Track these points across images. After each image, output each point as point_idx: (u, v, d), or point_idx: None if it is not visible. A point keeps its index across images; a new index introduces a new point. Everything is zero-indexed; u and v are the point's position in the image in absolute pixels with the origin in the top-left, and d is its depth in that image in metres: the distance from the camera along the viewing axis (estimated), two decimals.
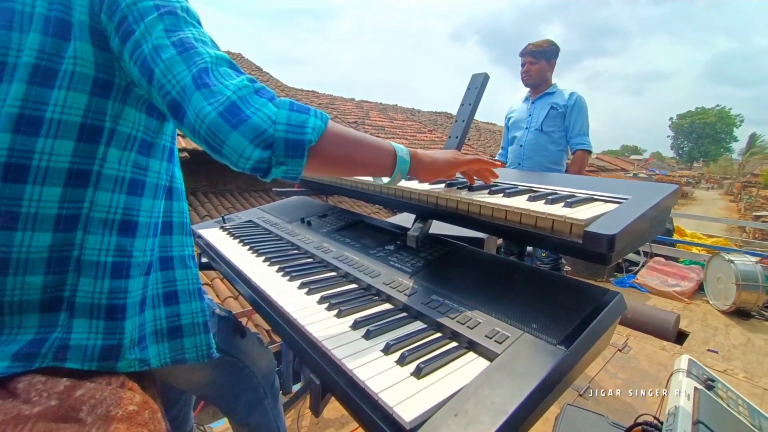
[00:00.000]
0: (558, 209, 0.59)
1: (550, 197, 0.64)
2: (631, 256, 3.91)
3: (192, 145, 3.30)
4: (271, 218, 1.23)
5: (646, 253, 3.88)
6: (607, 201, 0.64)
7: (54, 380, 0.52)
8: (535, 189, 0.75)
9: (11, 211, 0.49)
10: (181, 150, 3.11)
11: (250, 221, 1.24)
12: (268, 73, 7.58)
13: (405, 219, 1.24)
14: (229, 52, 7.95)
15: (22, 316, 0.51)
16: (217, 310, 0.87)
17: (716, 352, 2.36)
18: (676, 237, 4.37)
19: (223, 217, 1.25)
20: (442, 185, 0.84)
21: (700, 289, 3.29)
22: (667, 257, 3.83)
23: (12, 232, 0.49)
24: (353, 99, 9.82)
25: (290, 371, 1.91)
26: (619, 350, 2.25)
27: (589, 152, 2.20)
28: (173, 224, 0.69)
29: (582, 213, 0.56)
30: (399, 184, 0.74)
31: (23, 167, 0.49)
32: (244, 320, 1.84)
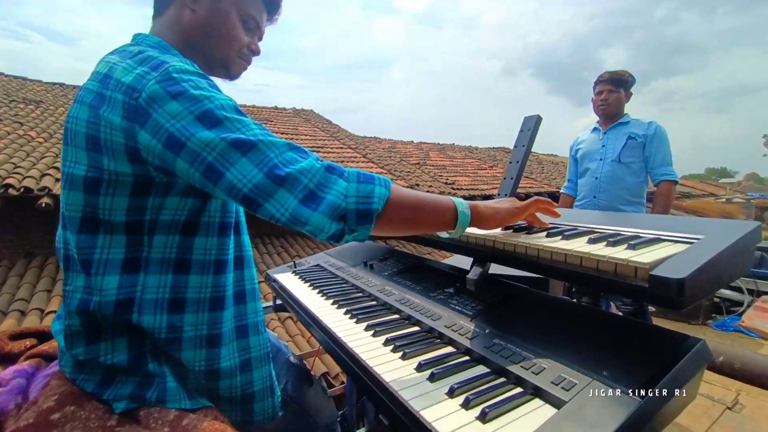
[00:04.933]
0: (620, 252, 0.59)
1: (611, 239, 0.64)
2: (733, 296, 3.38)
3: None
4: (336, 262, 1.33)
5: (751, 292, 3.34)
6: (676, 241, 0.62)
7: (165, 410, 0.62)
8: (596, 230, 0.75)
9: (86, 298, 0.60)
10: None
11: (317, 265, 1.35)
12: (337, 125, 8.30)
13: (463, 260, 1.26)
14: (302, 110, 8.90)
15: (121, 371, 0.62)
16: (291, 358, 0.95)
17: None
18: None
19: (294, 262, 1.38)
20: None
21: None
22: None
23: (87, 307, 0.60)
24: (412, 141, 10.23)
25: (353, 414, 1.92)
26: (728, 408, 1.92)
27: (676, 183, 2.06)
28: (246, 292, 0.74)
29: (646, 256, 0.55)
30: None
31: (88, 261, 0.59)
32: (311, 360, 1.92)
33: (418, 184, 5.33)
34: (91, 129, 0.56)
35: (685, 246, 0.59)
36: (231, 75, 0.76)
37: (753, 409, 1.92)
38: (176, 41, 0.67)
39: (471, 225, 0.69)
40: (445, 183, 6.00)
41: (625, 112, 2.22)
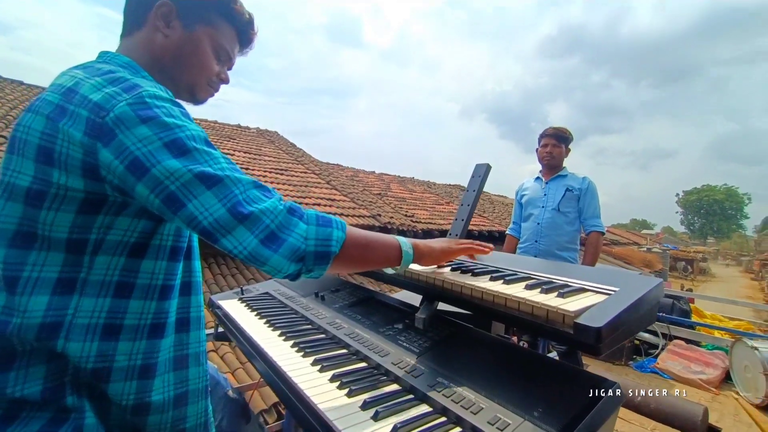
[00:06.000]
0: (551, 299, 0.65)
1: (545, 286, 0.71)
2: (650, 338, 3.74)
3: None
4: (287, 291, 1.30)
5: (664, 335, 3.72)
6: (597, 292, 0.70)
7: None
8: (533, 276, 0.82)
9: (4, 320, 0.53)
10: None
11: (266, 293, 1.31)
12: (302, 149, 8.28)
13: (412, 295, 1.29)
14: (267, 130, 8.78)
15: (29, 406, 0.54)
16: (230, 392, 0.90)
17: None
18: (695, 319, 4.20)
19: (241, 288, 1.32)
20: (448, 268, 0.92)
21: (727, 377, 3.08)
22: (687, 340, 3.65)
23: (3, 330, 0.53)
24: (374, 171, 10.42)
25: None
26: None
27: (603, 234, 2.32)
28: (190, 320, 0.69)
29: (573, 304, 0.62)
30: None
31: (14, 278, 0.53)
32: (250, 393, 1.80)
33: (380, 214, 5.40)
34: (45, 140, 0.53)
35: (604, 297, 0.67)
36: (197, 100, 0.76)
37: None
38: (146, 63, 0.67)
39: (413, 261, 0.76)
40: (405, 215, 6.14)
41: (564, 165, 2.49)
